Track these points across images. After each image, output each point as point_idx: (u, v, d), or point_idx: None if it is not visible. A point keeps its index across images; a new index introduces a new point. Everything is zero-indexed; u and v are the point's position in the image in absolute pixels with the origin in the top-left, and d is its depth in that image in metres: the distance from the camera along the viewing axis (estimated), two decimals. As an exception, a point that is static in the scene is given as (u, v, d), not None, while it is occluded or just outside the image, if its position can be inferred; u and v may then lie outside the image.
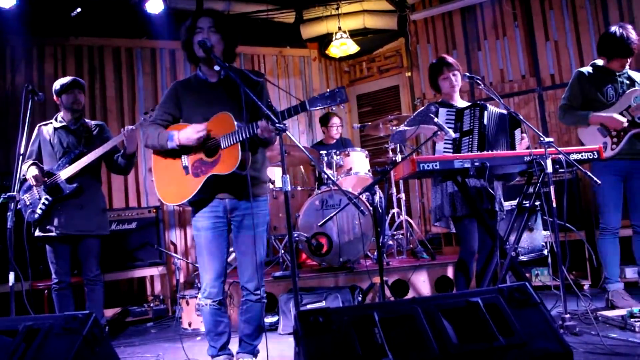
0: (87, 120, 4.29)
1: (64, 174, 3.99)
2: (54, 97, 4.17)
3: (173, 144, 2.98)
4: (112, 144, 4.02)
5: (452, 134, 3.57)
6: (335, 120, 6.28)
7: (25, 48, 6.09)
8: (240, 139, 2.84)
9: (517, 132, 3.80)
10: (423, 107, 4.00)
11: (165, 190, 3.11)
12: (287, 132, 2.66)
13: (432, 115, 3.68)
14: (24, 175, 3.98)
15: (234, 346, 3.21)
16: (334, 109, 6.15)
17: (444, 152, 3.71)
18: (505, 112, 3.79)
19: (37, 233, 4.05)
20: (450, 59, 3.89)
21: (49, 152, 4.12)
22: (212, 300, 3.08)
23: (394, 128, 5.51)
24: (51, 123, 4.20)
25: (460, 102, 3.95)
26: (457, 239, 5.44)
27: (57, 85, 4.15)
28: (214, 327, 3.11)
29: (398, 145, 5.56)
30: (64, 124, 4.16)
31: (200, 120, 3.01)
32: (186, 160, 3.02)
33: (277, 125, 2.63)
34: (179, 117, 3.15)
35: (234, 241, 3.15)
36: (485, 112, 3.71)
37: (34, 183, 3.95)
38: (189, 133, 2.95)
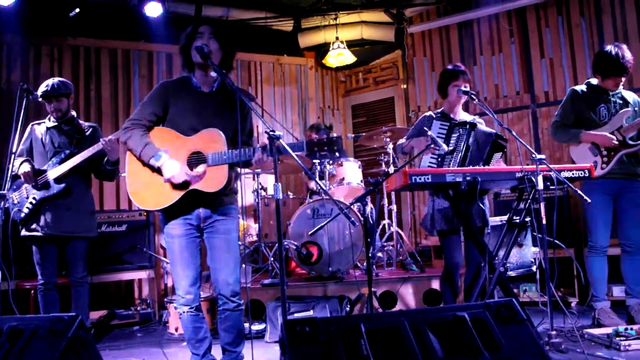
0: (80, 122, 4.27)
1: (53, 173, 3.97)
2: None
3: (157, 164, 2.91)
4: (93, 150, 3.96)
5: (446, 148, 3.57)
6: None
7: (22, 47, 6.08)
8: (232, 161, 2.85)
9: (497, 155, 3.80)
10: (421, 117, 4.01)
11: (139, 193, 3.03)
12: (280, 140, 2.67)
13: (425, 128, 3.70)
14: (14, 172, 3.95)
15: (216, 351, 3.19)
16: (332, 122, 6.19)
17: (429, 165, 3.73)
18: (492, 132, 3.78)
19: (23, 232, 4.02)
20: (464, 68, 3.91)
21: (40, 151, 4.10)
22: (189, 307, 3.05)
23: (388, 139, 5.53)
24: (44, 122, 4.18)
25: (461, 115, 3.95)
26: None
27: (38, 91, 4.06)
28: (194, 334, 3.08)
29: (391, 156, 5.57)
30: (57, 123, 4.14)
31: (187, 128, 2.97)
32: None
33: (272, 134, 2.64)
34: (164, 118, 3.07)
35: (207, 249, 3.11)
36: (473, 133, 3.72)
37: (25, 179, 3.93)
38: (172, 172, 2.88)
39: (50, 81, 4.09)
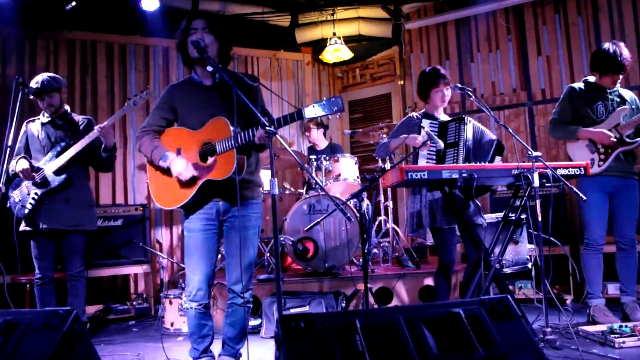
0: (74, 115, 4.26)
1: (52, 166, 3.96)
2: None
3: (165, 164, 2.99)
4: (89, 139, 3.95)
5: (441, 145, 3.59)
6: (313, 133, 6.27)
7: (17, 40, 6.04)
8: (237, 144, 2.85)
9: (498, 158, 3.84)
10: (404, 118, 4.01)
11: (161, 194, 3.11)
12: (277, 135, 2.67)
13: (422, 125, 3.71)
14: (13, 171, 3.95)
15: (216, 347, 3.20)
16: (329, 117, 6.20)
17: (427, 162, 3.73)
18: (495, 138, 3.83)
19: (23, 227, 4.02)
20: (444, 71, 3.90)
21: (37, 147, 4.10)
22: (197, 304, 3.06)
23: (384, 136, 5.53)
24: (38, 119, 4.18)
25: (442, 116, 3.98)
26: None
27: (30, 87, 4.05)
28: (197, 330, 3.10)
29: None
30: (51, 118, 4.13)
31: (197, 123, 3.01)
32: None
33: (268, 129, 2.63)
34: (174, 120, 3.17)
35: (224, 242, 3.14)
36: (470, 126, 3.75)
37: (23, 176, 3.92)
38: (179, 169, 2.95)
39: (39, 78, 4.07)
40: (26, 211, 3.98)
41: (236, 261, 3.07)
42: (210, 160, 2.96)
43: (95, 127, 3.95)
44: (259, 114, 2.75)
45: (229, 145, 2.87)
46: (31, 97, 4.05)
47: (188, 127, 3.06)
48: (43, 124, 4.14)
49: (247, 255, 3.07)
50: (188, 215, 3.11)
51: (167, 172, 3.04)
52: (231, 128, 2.88)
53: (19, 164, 3.94)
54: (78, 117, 4.27)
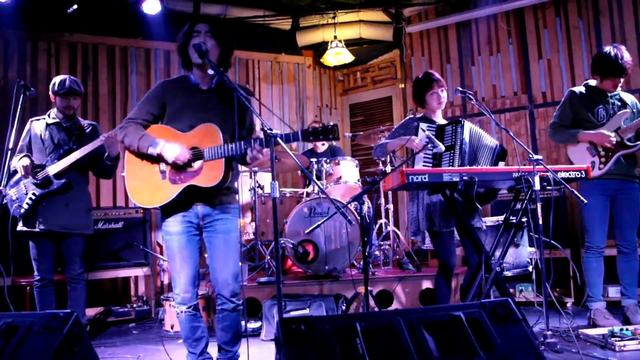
0: (80, 119, 4.27)
1: (53, 169, 3.97)
2: (50, 93, 4.14)
3: (154, 151, 2.90)
4: (93, 146, 3.98)
5: (442, 148, 3.58)
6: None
7: (19, 42, 6.06)
8: (227, 154, 2.82)
9: (501, 163, 3.85)
10: (403, 121, 4.02)
11: (137, 190, 3.02)
12: (278, 138, 2.66)
13: (422, 128, 3.71)
14: (14, 167, 3.95)
15: (213, 349, 3.19)
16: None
17: (423, 166, 3.73)
18: (496, 144, 3.85)
19: (20, 227, 4.02)
20: (437, 75, 3.90)
21: (39, 147, 4.10)
22: (186, 307, 3.03)
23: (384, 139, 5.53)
24: (43, 118, 4.19)
25: (440, 119, 3.97)
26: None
27: (54, 84, 4.09)
28: (191, 334, 3.07)
29: (388, 156, 5.57)
30: (57, 120, 4.14)
31: (185, 125, 2.96)
32: (164, 165, 2.95)
33: (269, 132, 2.63)
34: (160, 117, 3.07)
35: (207, 248, 3.10)
36: (467, 129, 3.74)
37: (24, 173, 3.92)
38: (175, 153, 2.86)
39: (69, 77, 4.12)
40: (22, 210, 3.98)
41: (220, 265, 3.03)
42: (195, 165, 2.92)
43: (101, 136, 3.95)
44: (263, 120, 2.74)
45: (219, 154, 2.83)
46: (54, 95, 4.08)
47: (176, 127, 2.98)
48: (48, 125, 4.14)
49: (232, 258, 3.04)
50: (166, 217, 3.04)
51: (148, 167, 2.97)
52: (221, 136, 2.86)
53: (21, 161, 3.93)
54: (83, 122, 4.29)
